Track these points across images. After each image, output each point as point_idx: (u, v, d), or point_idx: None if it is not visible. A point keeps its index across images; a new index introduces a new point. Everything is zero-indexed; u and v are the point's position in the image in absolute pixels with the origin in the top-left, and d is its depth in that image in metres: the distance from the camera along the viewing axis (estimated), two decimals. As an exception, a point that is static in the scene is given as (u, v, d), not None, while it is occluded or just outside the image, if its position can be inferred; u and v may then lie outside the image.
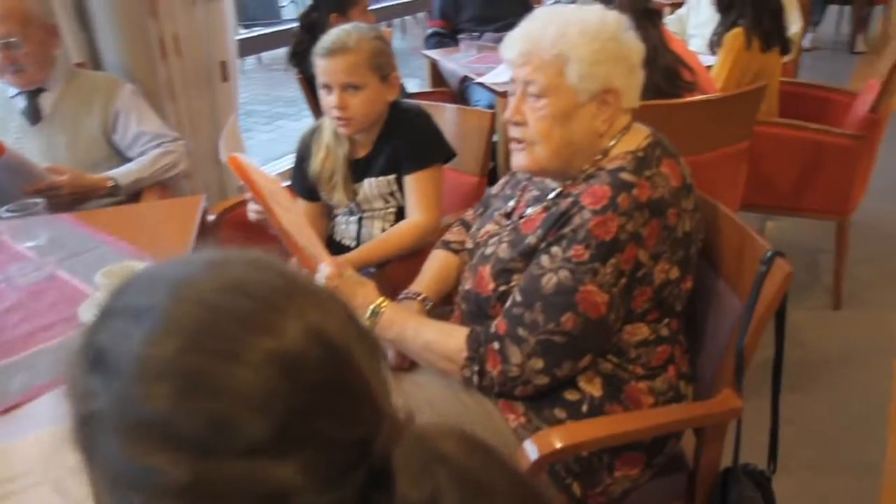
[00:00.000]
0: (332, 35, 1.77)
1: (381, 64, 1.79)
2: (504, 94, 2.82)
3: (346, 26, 1.81)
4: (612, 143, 1.33)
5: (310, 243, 1.51)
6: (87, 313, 1.37)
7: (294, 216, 1.54)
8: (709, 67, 2.69)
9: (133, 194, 2.20)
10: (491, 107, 3.05)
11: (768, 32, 2.84)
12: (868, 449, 2.10)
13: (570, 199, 1.28)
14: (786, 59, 3.07)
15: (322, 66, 1.76)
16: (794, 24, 3.33)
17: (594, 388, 1.30)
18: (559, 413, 1.30)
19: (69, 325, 1.38)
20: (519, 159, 1.37)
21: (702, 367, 1.42)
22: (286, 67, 3.21)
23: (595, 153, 1.33)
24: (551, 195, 1.37)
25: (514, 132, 1.36)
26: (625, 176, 1.25)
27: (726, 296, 1.39)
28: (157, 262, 0.57)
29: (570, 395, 1.30)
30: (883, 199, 3.37)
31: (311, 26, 2.95)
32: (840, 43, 6.74)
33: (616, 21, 1.32)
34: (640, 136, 1.34)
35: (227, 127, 1.69)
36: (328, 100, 1.77)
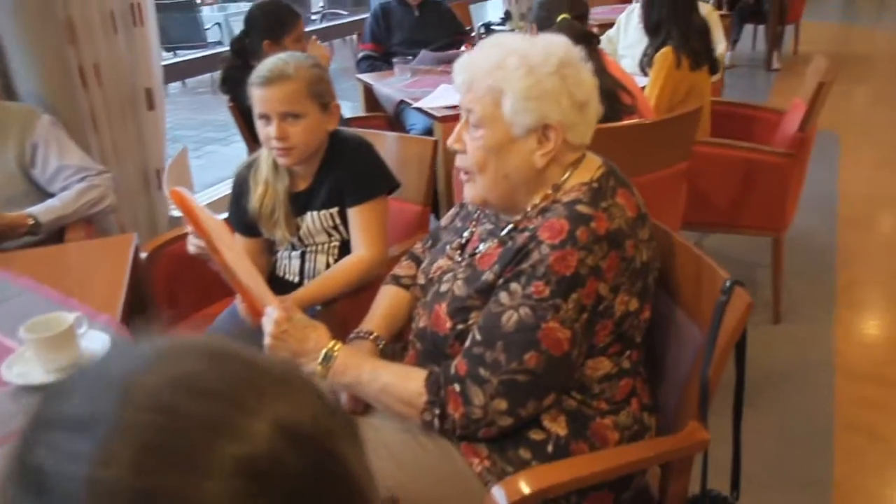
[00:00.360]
0: (269, 63, 1.70)
1: (321, 91, 1.74)
2: (441, 119, 2.81)
3: (282, 55, 1.74)
4: (564, 176, 1.30)
5: (254, 284, 1.44)
6: (10, 372, 1.26)
7: (236, 255, 1.46)
8: (642, 88, 2.72)
9: (55, 233, 2.07)
10: (428, 131, 3.03)
11: (696, 51, 2.90)
12: (813, 465, 2.13)
13: (526, 234, 1.24)
14: (714, 78, 3.15)
15: (259, 96, 1.69)
16: (719, 44, 3.43)
17: (559, 427, 1.26)
18: (524, 454, 1.25)
19: (-9, 386, 1.26)
20: (467, 190, 1.35)
21: (664, 396, 1.40)
22: (214, 91, 3.10)
23: (539, 187, 1.30)
24: (506, 229, 1.33)
25: (457, 161, 1.34)
26: (581, 208, 1.22)
27: (685, 324, 1.38)
28: (96, 359, 0.50)
29: (535, 435, 1.26)
30: (811, 214, 3.48)
31: (243, 52, 2.86)
32: (757, 60, 7.00)
33: (563, 55, 1.26)
34: (592, 166, 1.32)
35: (175, 159, 1.61)
36: (267, 130, 1.70)
